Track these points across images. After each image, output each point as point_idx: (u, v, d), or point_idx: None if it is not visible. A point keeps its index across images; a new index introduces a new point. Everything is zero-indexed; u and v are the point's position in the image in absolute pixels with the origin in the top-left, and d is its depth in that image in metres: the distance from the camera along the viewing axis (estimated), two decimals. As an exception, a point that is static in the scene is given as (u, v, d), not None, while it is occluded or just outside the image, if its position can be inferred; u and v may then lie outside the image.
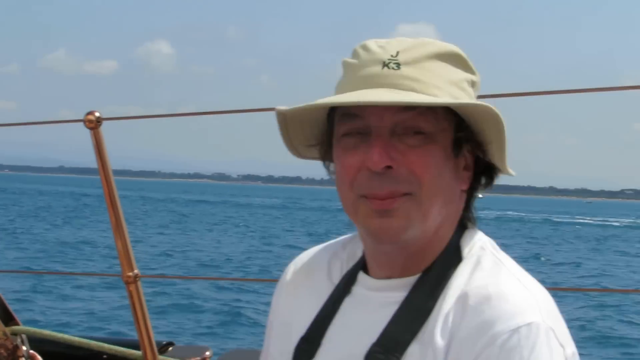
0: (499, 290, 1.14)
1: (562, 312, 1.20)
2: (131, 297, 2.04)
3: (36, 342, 2.59)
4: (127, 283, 2.02)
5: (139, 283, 2.05)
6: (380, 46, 1.21)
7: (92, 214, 47.02)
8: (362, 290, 1.28)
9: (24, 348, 2.56)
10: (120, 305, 14.87)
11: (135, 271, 2.02)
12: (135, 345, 2.38)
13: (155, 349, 1.98)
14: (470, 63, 1.24)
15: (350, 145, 1.21)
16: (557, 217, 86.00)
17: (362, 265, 1.31)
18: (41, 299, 17.20)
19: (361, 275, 1.29)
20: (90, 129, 2.07)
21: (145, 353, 1.97)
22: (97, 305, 16.53)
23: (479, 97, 1.25)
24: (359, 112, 1.18)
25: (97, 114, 2.06)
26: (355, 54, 1.23)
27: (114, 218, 2.07)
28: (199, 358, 2.02)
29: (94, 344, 2.44)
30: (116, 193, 2.08)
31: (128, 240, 2.05)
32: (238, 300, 17.42)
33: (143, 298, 2.05)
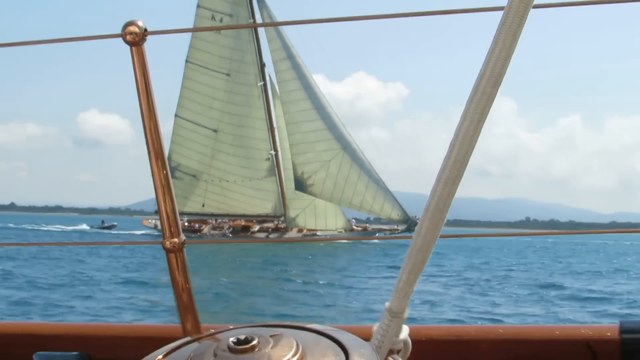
0: None
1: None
2: (174, 269, 1.81)
3: None
4: (170, 252, 1.79)
5: (184, 251, 1.80)
6: None
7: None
8: None
9: None
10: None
11: (182, 237, 1.77)
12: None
13: (200, 324, 1.79)
14: None
15: None
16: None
17: None
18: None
19: None
20: (131, 44, 1.64)
21: (186, 329, 1.78)
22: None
23: None
24: None
25: (140, 24, 1.63)
26: None
27: (160, 170, 1.70)
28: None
29: None
30: (161, 135, 1.70)
31: (174, 198, 1.74)
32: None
33: (187, 267, 1.82)
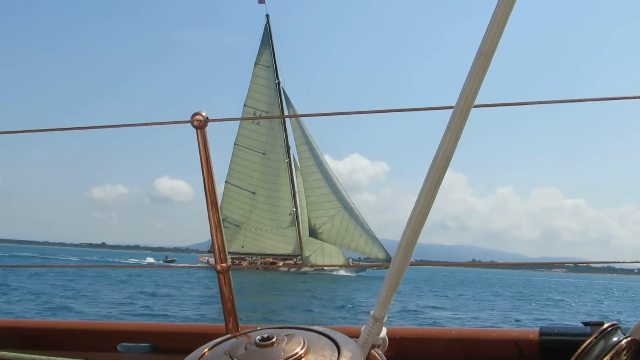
0: None
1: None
2: (222, 285, 1.75)
3: None
4: (220, 273, 1.75)
5: (229, 273, 1.77)
6: None
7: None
8: None
9: None
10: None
11: (229, 262, 1.76)
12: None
13: (239, 325, 1.75)
14: None
15: None
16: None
17: None
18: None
19: None
20: (197, 128, 1.67)
21: (228, 328, 1.74)
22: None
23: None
24: None
25: (204, 114, 1.67)
26: None
27: (214, 216, 1.73)
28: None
29: None
30: (217, 192, 1.75)
31: (223, 233, 1.75)
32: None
33: (232, 286, 1.78)
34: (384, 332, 1.36)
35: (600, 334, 1.46)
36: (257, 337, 1.31)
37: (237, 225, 65.09)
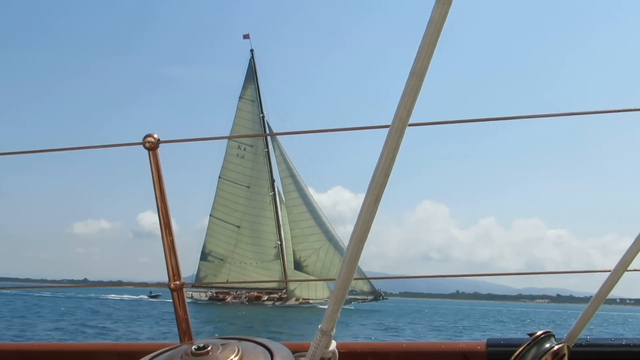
0: None
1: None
2: (176, 303, 1.74)
3: None
4: (174, 290, 1.73)
5: (184, 290, 1.76)
6: None
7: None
8: None
9: None
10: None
11: (182, 280, 1.73)
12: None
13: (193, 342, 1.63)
14: None
15: None
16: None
17: None
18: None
19: None
20: (149, 149, 1.68)
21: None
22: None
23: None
24: None
25: (155, 136, 1.68)
26: None
27: (167, 236, 1.73)
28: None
29: None
30: (169, 213, 1.73)
31: (177, 252, 1.74)
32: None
33: (186, 303, 1.79)
34: (333, 346, 1.36)
35: (533, 340, 1.50)
36: (193, 347, 1.36)
37: (222, 259, 64.85)
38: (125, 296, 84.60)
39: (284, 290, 63.99)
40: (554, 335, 1.56)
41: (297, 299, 62.50)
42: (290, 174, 63.01)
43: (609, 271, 1.51)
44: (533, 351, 1.49)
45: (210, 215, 64.77)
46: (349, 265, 1.23)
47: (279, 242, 63.21)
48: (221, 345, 1.39)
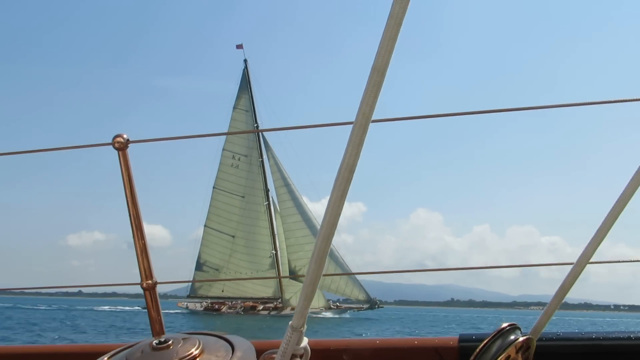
0: None
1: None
2: (149, 303, 1.69)
3: None
4: (146, 290, 1.69)
5: (156, 289, 1.71)
6: None
7: None
8: None
9: None
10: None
11: (155, 279, 1.69)
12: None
13: None
14: None
15: None
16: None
17: None
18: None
19: None
20: (119, 149, 1.66)
21: None
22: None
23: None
24: None
25: (125, 136, 1.66)
26: None
27: (139, 238, 1.68)
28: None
29: None
30: (140, 212, 1.70)
31: (149, 252, 1.70)
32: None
33: (159, 304, 1.72)
34: (304, 342, 1.36)
35: (498, 333, 1.53)
36: (154, 342, 1.39)
37: (217, 269, 64.57)
38: (119, 307, 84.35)
39: (280, 300, 63.81)
40: (519, 328, 1.57)
41: (292, 308, 62.00)
42: (285, 183, 62.97)
43: (572, 264, 1.53)
44: (498, 343, 1.51)
45: (205, 226, 64.54)
46: (317, 261, 1.23)
47: (274, 252, 63.03)
48: (182, 339, 1.40)
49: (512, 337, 1.53)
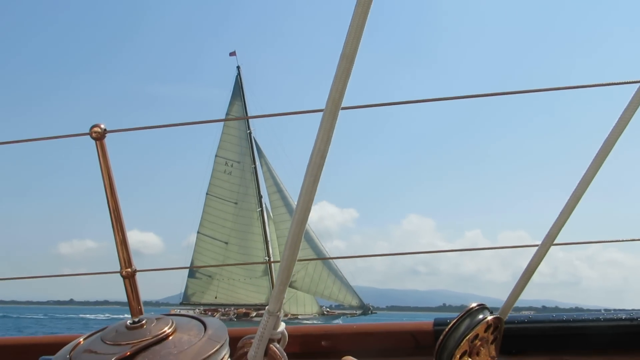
0: None
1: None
2: (129, 292, 1.69)
3: None
4: (126, 278, 1.69)
5: (136, 277, 1.70)
6: None
7: None
8: None
9: None
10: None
11: (134, 267, 1.68)
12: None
13: None
14: None
15: None
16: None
17: None
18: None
19: None
20: (96, 139, 1.65)
21: None
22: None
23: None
24: None
25: (102, 126, 1.65)
26: None
27: (118, 230, 1.68)
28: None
29: None
30: (119, 202, 1.69)
31: (127, 242, 1.70)
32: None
33: (139, 293, 1.72)
34: (282, 327, 1.37)
35: (466, 312, 1.56)
36: (128, 322, 1.43)
37: (210, 276, 64.30)
38: (115, 315, 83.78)
39: (273, 306, 63.15)
40: (488, 309, 1.59)
41: (285, 315, 61.64)
42: (278, 189, 62.93)
43: (537, 245, 1.56)
44: (466, 322, 1.54)
45: (198, 232, 63.96)
46: (291, 246, 1.26)
47: (266, 258, 61.44)
48: (156, 319, 1.45)
49: (481, 317, 1.56)
